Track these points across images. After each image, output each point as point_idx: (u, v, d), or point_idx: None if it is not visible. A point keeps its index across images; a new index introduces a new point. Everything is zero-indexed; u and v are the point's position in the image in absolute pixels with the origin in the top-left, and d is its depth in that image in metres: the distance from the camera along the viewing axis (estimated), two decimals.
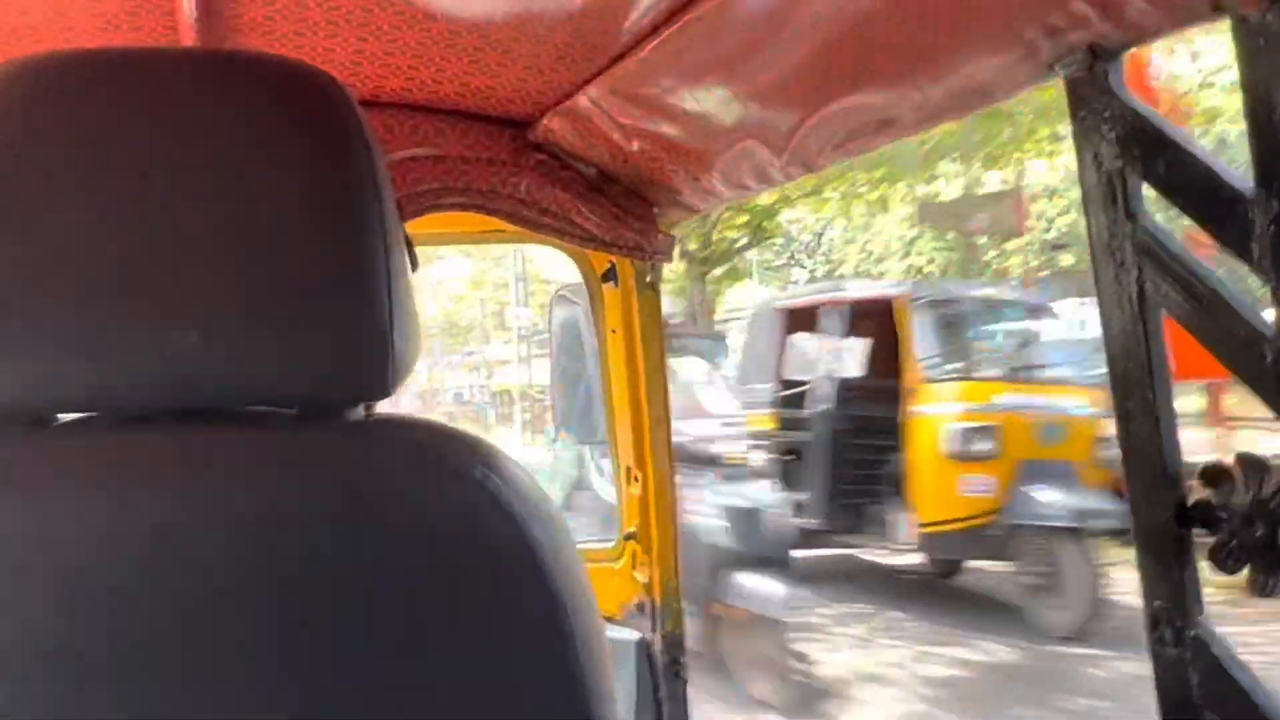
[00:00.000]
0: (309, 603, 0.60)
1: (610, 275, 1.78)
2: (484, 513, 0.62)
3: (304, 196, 0.62)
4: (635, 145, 1.45)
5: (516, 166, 1.54)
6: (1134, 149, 0.83)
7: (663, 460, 1.85)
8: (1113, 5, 0.80)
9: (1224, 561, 0.79)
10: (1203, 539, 0.83)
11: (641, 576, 1.87)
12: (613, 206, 1.60)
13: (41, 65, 0.64)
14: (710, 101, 1.28)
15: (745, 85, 1.22)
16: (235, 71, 0.66)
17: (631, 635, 1.86)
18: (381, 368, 0.62)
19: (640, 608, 1.88)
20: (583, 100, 1.37)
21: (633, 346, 1.80)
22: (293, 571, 0.60)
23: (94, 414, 0.64)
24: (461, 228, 1.72)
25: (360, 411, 0.66)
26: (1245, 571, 0.79)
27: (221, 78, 0.65)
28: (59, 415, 0.64)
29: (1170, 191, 0.81)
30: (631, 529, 1.87)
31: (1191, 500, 0.83)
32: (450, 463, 0.63)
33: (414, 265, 1.06)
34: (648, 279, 1.77)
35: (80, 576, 0.58)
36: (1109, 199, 0.85)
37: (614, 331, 1.82)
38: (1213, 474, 0.80)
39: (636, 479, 1.85)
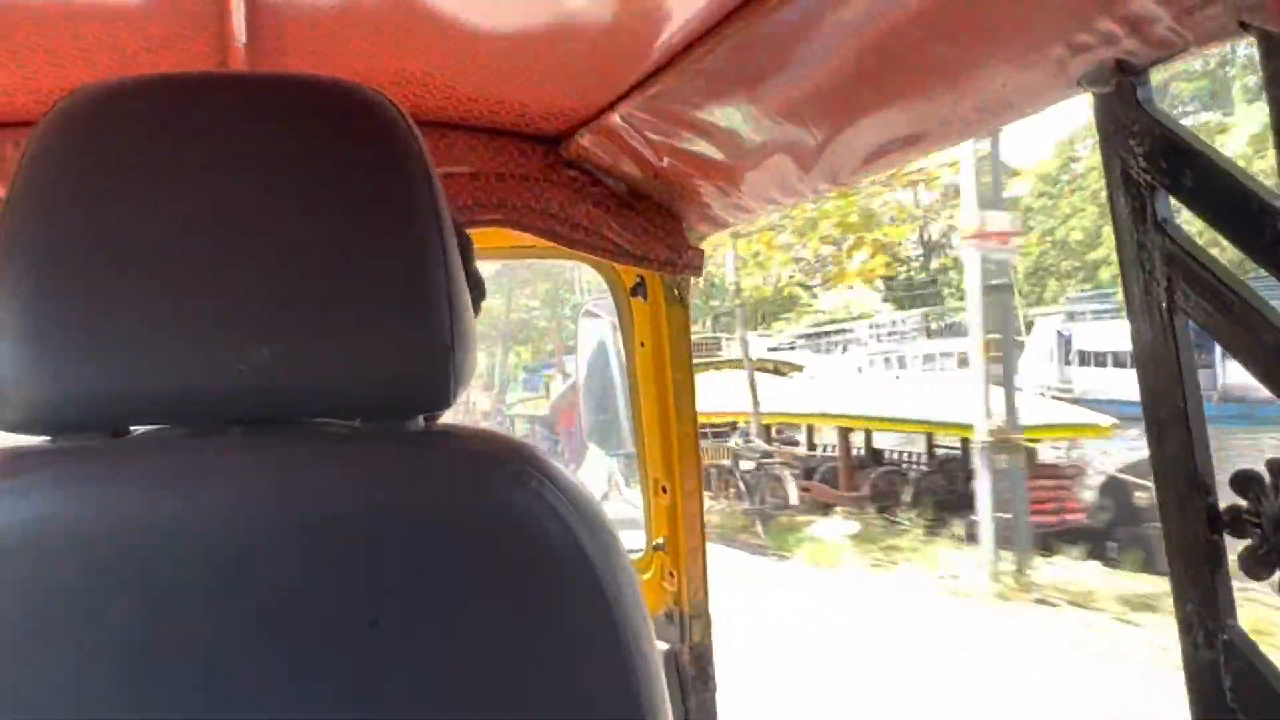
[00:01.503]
0: (370, 606, 0.63)
1: (639, 289, 1.81)
2: (539, 520, 0.64)
3: (366, 215, 0.65)
4: (665, 161, 1.48)
5: (548, 183, 1.57)
6: (1162, 162, 0.84)
7: (690, 472, 1.86)
8: (1140, 22, 0.81)
9: (1255, 566, 0.80)
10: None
11: (670, 587, 1.89)
12: (643, 221, 1.63)
13: (110, 92, 0.67)
14: (739, 118, 1.30)
15: (774, 102, 1.24)
16: (294, 95, 0.69)
17: (660, 646, 1.87)
18: (443, 379, 0.65)
19: (669, 618, 1.89)
20: (614, 117, 1.40)
21: (661, 360, 1.82)
22: (355, 576, 0.63)
23: (168, 425, 0.67)
24: (494, 243, 1.75)
25: (420, 421, 0.68)
26: (1276, 576, 0.80)
27: (281, 101, 0.68)
28: (135, 426, 0.67)
29: (1198, 205, 0.82)
30: (659, 540, 1.88)
31: (1223, 506, 0.84)
32: (507, 471, 0.65)
33: (481, 295, 1.08)
34: (677, 292, 1.79)
35: (155, 581, 0.61)
36: (1138, 212, 0.87)
37: (643, 345, 1.84)
38: (1244, 480, 0.81)
39: (665, 490, 1.86)
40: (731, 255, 14.19)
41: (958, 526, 9.88)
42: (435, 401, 0.66)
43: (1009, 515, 8.28)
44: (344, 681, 0.62)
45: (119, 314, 0.62)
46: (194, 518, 0.62)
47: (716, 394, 12.65)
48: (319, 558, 0.62)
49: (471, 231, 1.54)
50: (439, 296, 0.65)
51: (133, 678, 0.61)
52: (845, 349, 29.08)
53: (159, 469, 0.64)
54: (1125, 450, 11.24)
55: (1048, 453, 11.50)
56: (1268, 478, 0.79)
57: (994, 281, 8.69)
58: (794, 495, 11.85)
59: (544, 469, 0.66)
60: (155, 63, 1.18)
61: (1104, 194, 0.81)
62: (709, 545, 1.90)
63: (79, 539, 0.61)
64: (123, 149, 0.64)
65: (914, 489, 11.59)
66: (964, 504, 9.78)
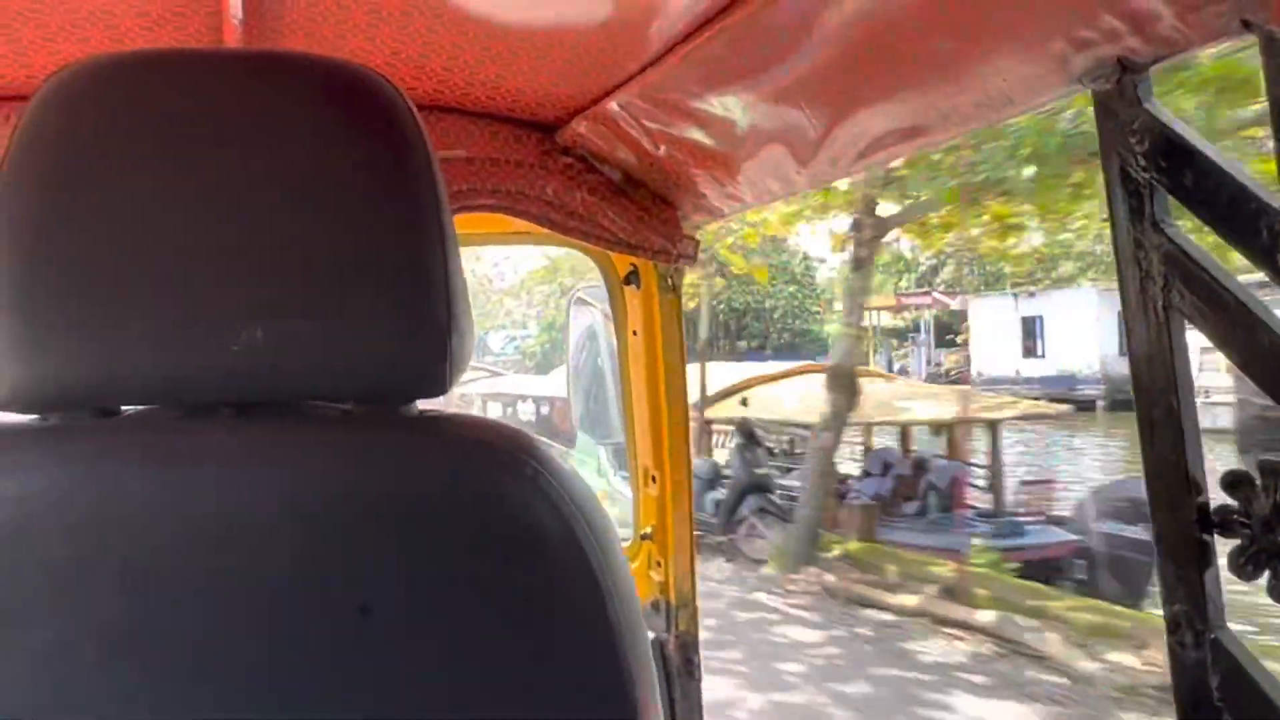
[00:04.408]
0: (360, 592, 0.62)
1: (632, 278, 1.80)
2: (533, 508, 0.64)
3: (363, 196, 0.64)
4: (661, 149, 1.47)
5: (544, 169, 1.56)
6: (1161, 161, 0.84)
7: (680, 462, 1.86)
8: (1143, 19, 0.81)
9: (1244, 567, 0.81)
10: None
11: (657, 576, 1.89)
12: (638, 210, 1.62)
13: (103, 67, 0.66)
14: (737, 107, 1.30)
15: (772, 92, 1.24)
16: (291, 73, 0.68)
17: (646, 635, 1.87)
18: (439, 365, 0.64)
19: (655, 607, 1.89)
20: (611, 105, 1.39)
21: (653, 349, 1.82)
22: (345, 561, 0.62)
23: (159, 406, 0.66)
24: (489, 229, 1.74)
25: (415, 407, 0.67)
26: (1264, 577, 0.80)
27: (278, 79, 0.67)
28: (125, 406, 0.66)
29: (1197, 204, 0.82)
30: (647, 529, 1.89)
31: (1213, 506, 0.84)
32: (502, 458, 0.65)
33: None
34: (670, 281, 1.79)
35: (141, 562, 0.60)
36: (1136, 210, 0.87)
37: (635, 334, 1.83)
38: (1234, 480, 0.81)
39: (654, 479, 1.86)
40: None
41: None
42: (431, 387, 0.65)
43: None
44: (332, 668, 0.62)
45: (110, 292, 0.61)
46: (183, 499, 0.61)
47: None
48: (309, 542, 0.62)
49: (466, 216, 1.54)
50: (436, 281, 0.64)
51: (116, 659, 0.60)
52: None
53: (149, 449, 0.63)
54: None
55: None
56: (1258, 478, 0.80)
57: None
58: None
59: (540, 457, 0.66)
60: (150, 39, 1.17)
61: None
62: None
63: (66, 518, 0.60)
64: (116, 125, 0.63)
65: None
66: None
